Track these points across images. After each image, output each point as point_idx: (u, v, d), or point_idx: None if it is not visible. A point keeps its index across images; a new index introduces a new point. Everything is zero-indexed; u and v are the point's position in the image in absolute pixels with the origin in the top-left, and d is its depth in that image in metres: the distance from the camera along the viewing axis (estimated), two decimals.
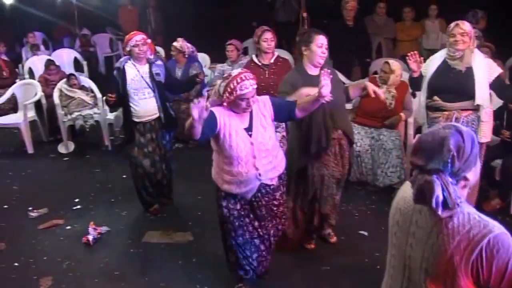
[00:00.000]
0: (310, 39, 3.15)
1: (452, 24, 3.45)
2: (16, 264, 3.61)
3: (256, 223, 2.95)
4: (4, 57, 7.25)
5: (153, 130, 4.01)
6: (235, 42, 5.70)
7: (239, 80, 2.60)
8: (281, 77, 4.04)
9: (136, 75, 3.89)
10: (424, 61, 3.69)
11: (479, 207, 3.21)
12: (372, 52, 7.12)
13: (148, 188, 4.19)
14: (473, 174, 1.45)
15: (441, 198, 1.37)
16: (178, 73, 5.58)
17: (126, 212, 4.37)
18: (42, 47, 8.94)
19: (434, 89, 3.58)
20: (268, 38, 4.13)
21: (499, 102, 4.19)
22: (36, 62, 7.87)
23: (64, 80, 6.17)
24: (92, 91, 6.22)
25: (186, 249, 3.74)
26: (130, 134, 4.04)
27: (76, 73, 6.68)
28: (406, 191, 1.58)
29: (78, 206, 4.51)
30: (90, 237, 3.83)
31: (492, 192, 4.19)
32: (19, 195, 4.81)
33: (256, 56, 4.27)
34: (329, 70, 2.75)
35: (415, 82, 3.75)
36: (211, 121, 2.63)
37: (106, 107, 5.71)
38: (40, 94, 6.21)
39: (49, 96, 6.24)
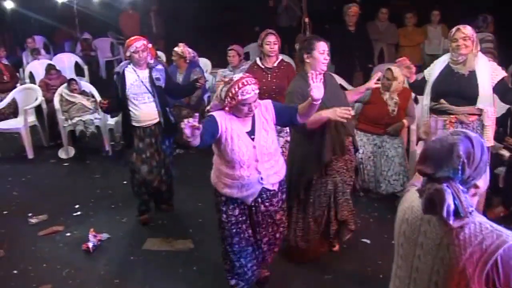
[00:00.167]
0: (312, 46, 3.10)
1: (454, 29, 3.43)
2: (15, 271, 3.57)
3: (250, 231, 2.92)
4: (5, 61, 7.22)
5: (153, 134, 3.98)
6: (236, 48, 5.67)
7: (240, 85, 2.56)
8: (283, 81, 4.04)
9: (136, 79, 3.86)
10: (427, 67, 3.70)
11: (482, 214, 3.17)
12: (374, 58, 7.11)
13: (144, 195, 4.14)
14: (483, 182, 1.42)
15: (452, 207, 1.33)
16: (180, 78, 5.55)
17: (127, 219, 4.33)
18: (43, 51, 8.92)
19: (438, 93, 3.57)
20: (271, 41, 4.09)
21: (502, 109, 4.16)
22: (36, 67, 7.87)
23: (65, 85, 6.15)
24: (92, 96, 6.20)
25: (186, 256, 3.70)
26: (129, 139, 4.01)
27: (76, 78, 6.68)
28: (413, 200, 1.53)
29: (78, 213, 4.47)
30: (90, 244, 3.80)
31: (495, 199, 4.14)
32: (19, 201, 4.77)
33: (260, 59, 4.24)
34: (320, 73, 2.72)
35: (416, 88, 3.73)
36: (212, 126, 2.61)
37: None
38: (40, 99, 6.20)
39: (49, 101, 6.23)
